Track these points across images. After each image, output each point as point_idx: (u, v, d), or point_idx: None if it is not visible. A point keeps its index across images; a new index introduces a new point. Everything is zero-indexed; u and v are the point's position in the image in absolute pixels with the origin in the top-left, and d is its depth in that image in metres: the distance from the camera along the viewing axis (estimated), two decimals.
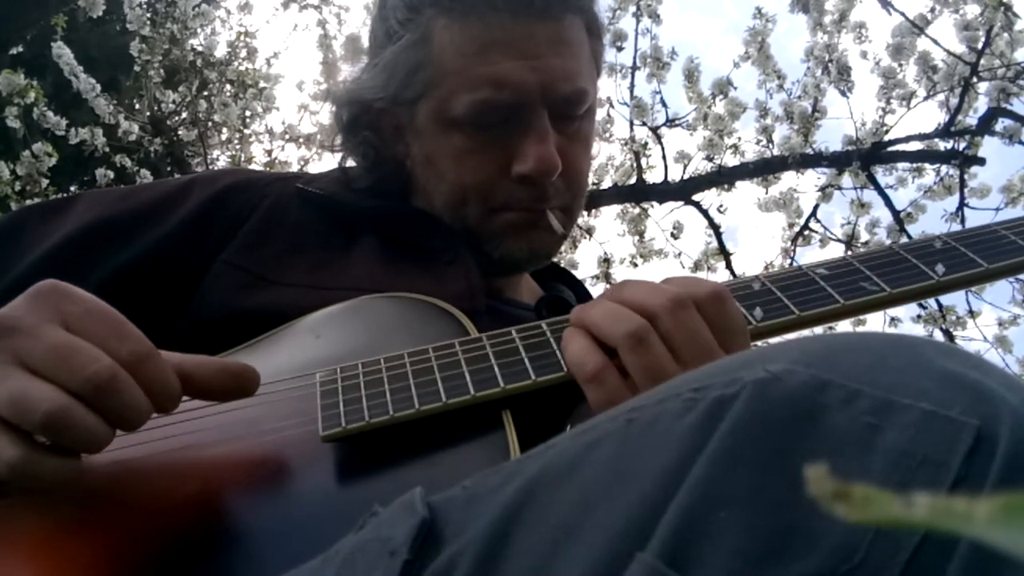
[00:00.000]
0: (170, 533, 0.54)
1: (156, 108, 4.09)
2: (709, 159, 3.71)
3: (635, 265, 4.12)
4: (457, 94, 0.79)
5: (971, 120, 3.41)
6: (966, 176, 3.49)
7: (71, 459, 0.52)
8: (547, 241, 0.85)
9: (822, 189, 3.66)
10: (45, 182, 3.46)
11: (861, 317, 3.64)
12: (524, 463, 0.42)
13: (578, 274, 3.96)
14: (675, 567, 0.32)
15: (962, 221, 3.52)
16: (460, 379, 0.61)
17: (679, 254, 4.08)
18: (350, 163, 0.93)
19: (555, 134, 0.80)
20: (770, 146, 3.67)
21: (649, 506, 0.35)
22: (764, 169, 3.70)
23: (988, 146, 3.42)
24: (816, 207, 3.80)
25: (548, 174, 0.80)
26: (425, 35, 0.81)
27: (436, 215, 0.86)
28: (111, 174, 3.92)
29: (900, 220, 3.61)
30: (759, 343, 0.65)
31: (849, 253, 0.69)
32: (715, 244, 3.92)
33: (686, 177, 3.72)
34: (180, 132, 4.13)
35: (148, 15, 3.85)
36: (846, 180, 3.59)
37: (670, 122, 3.67)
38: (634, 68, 3.59)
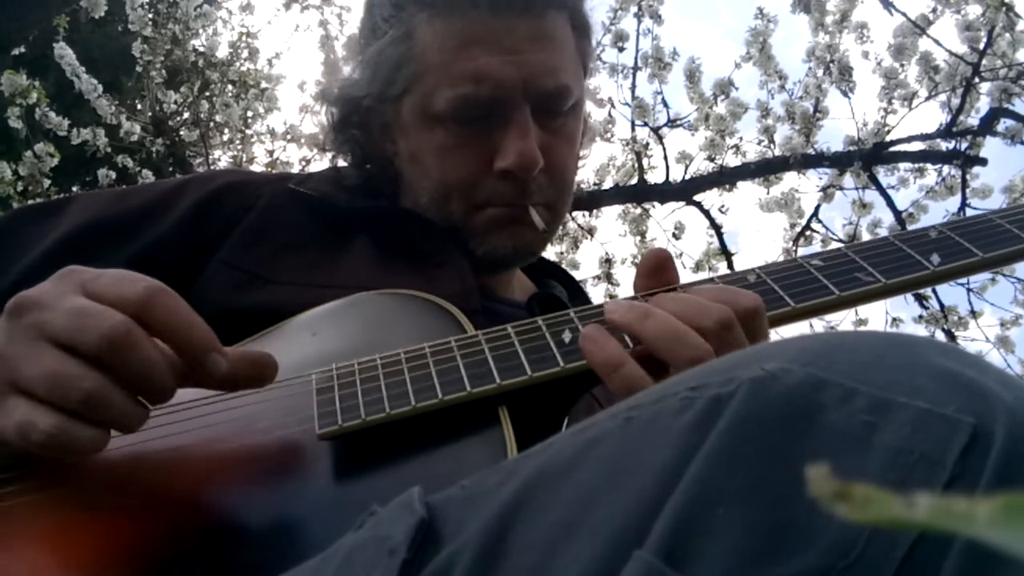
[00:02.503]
0: (166, 532, 0.54)
1: (158, 108, 4.10)
2: (711, 159, 3.71)
3: (636, 266, 4.11)
4: (439, 90, 0.80)
5: (973, 120, 3.40)
6: (968, 176, 3.49)
7: (104, 431, 0.53)
8: (530, 238, 0.85)
9: (824, 189, 3.66)
10: (47, 182, 3.47)
11: (862, 317, 3.65)
12: (522, 462, 0.42)
13: (579, 274, 3.97)
14: (673, 564, 0.32)
15: None
16: (456, 375, 0.61)
17: (680, 254, 4.08)
18: (342, 162, 0.94)
19: (538, 130, 0.81)
20: (772, 146, 3.67)
21: (647, 504, 0.35)
22: (766, 169, 3.69)
23: (990, 146, 3.42)
24: (818, 207, 3.80)
25: (528, 169, 0.80)
26: (408, 31, 0.82)
27: (423, 213, 0.86)
28: (113, 174, 3.92)
29: (902, 220, 3.61)
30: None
31: (844, 244, 0.69)
32: (717, 244, 3.92)
33: (688, 177, 3.72)
34: (182, 132, 4.13)
35: (150, 16, 3.85)
36: (848, 180, 3.59)
37: (672, 122, 3.67)
38: (635, 68, 3.58)
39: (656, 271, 0.67)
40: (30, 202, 3.35)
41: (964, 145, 3.42)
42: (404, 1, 0.83)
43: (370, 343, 0.67)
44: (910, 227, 3.59)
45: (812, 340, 0.40)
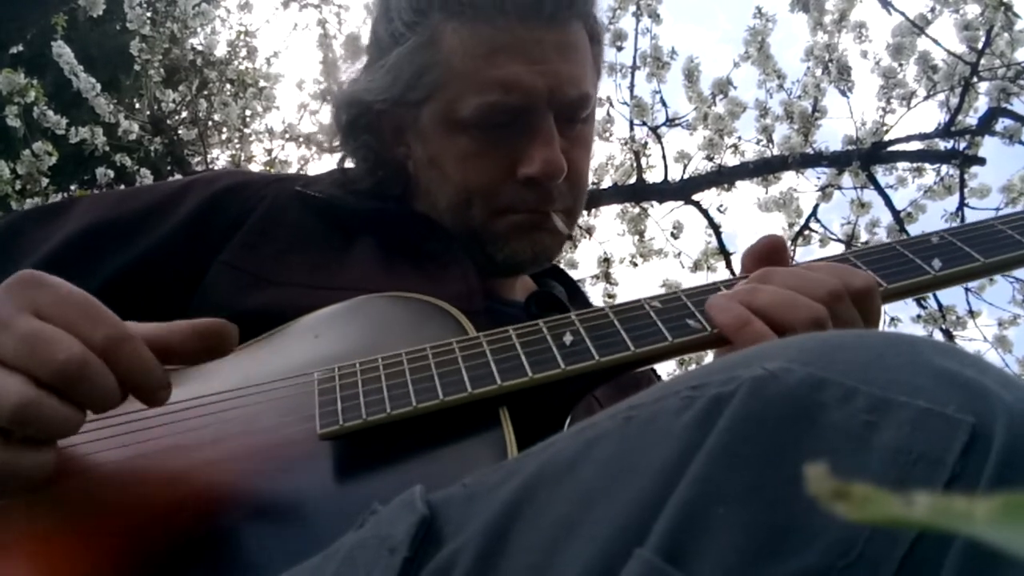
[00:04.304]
0: (167, 532, 0.54)
1: (156, 107, 4.09)
2: (709, 159, 3.72)
3: (635, 265, 4.12)
4: (465, 97, 0.80)
5: (971, 120, 3.41)
6: (966, 176, 3.49)
7: (46, 452, 0.52)
8: (550, 243, 0.86)
9: (822, 189, 3.66)
10: (45, 181, 3.46)
11: None
12: (523, 461, 0.42)
13: (578, 274, 3.97)
14: (673, 563, 0.32)
15: (962, 221, 3.52)
16: (457, 376, 0.61)
17: (679, 254, 4.09)
18: (349, 164, 0.94)
19: (559, 137, 0.81)
20: (770, 146, 3.67)
21: (647, 503, 0.35)
22: (764, 169, 3.70)
23: (988, 146, 3.42)
24: (816, 207, 3.80)
25: (554, 177, 0.81)
26: (433, 38, 0.82)
27: (436, 217, 0.86)
28: (111, 173, 3.92)
29: (900, 220, 3.61)
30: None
31: (847, 249, 0.70)
32: (715, 244, 3.92)
33: (686, 177, 3.72)
34: (180, 131, 4.13)
35: (148, 14, 3.84)
36: (846, 180, 3.59)
37: (670, 122, 3.67)
38: (634, 68, 3.59)
39: (767, 259, 0.68)
40: (28, 201, 3.35)
41: (962, 145, 3.43)
42: (428, 7, 0.82)
43: (372, 345, 0.67)
44: (908, 227, 3.60)
45: (813, 339, 0.40)
